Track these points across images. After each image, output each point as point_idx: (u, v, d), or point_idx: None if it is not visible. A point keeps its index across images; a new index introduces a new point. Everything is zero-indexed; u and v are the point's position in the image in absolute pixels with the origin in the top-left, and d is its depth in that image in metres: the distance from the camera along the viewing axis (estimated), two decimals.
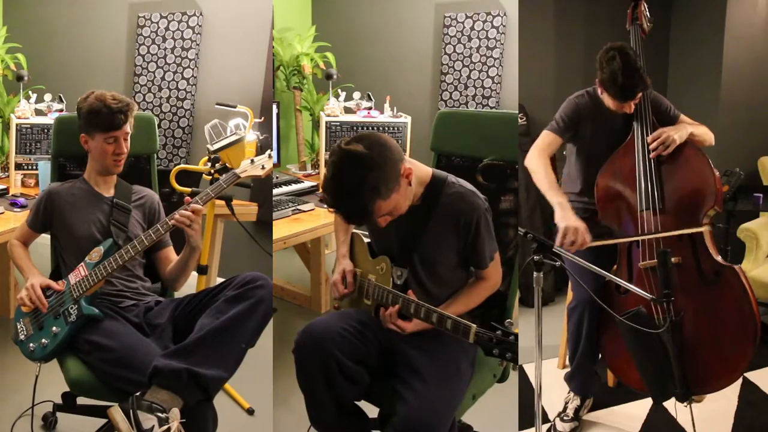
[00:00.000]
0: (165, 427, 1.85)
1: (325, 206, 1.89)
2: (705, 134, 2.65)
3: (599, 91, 2.58)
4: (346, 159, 1.77)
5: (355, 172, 1.76)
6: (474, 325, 1.81)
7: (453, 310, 2.02)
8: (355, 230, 2.31)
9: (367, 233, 2.24)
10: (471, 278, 2.14)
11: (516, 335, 1.78)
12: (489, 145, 2.36)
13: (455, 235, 2.01)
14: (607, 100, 2.57)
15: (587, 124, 2.64)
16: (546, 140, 2.62)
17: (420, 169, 2.02)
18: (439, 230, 2.01)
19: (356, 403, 2.10)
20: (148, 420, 1.85)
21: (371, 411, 2.12)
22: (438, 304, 2.04)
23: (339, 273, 2.18)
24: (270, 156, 2.46)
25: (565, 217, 2.41)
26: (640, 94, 2.53)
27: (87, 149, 2.35)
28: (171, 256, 2.41)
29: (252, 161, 2.42)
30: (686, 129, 2.59)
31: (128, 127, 2.31)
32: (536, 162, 2.58)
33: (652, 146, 2.55)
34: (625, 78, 2.44)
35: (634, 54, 2.48)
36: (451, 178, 2.03)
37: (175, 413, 1.89)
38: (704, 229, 2.47)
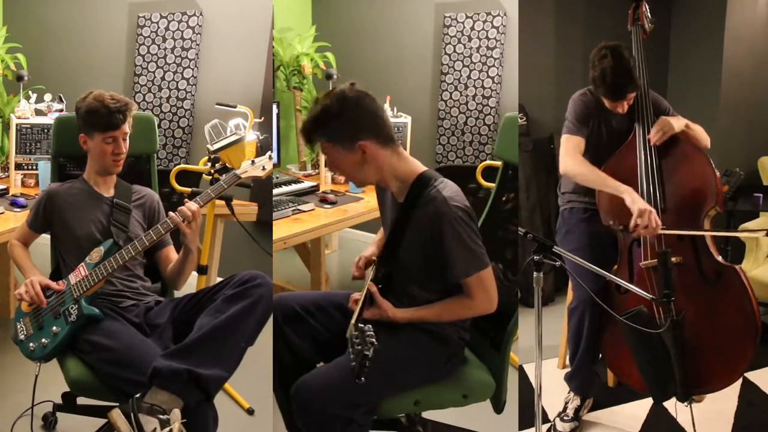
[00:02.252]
0: (167, 429, 1.85)
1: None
2: (701, 132, 2.65)
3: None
4: (334, 92, 1.97)
5: (318, 103, 1.97)
6: (352, 323, 1.84)
7: (419, 315, 2.01)
8: None
9: None
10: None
11: (360, 341, 1.70)
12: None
13: (425, 239, 1.95)
14: (604, 101, 2.58)
15: (593, 122, 2.64)
16: (572, 144, 2.60)
17: (407, 165, 1.99)
18: (416, 232, 1.97)
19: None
20: (149, 423, 1.85)
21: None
22: (416, 302, 2.03)
23: (359, 256, 2.20)
24: (270, 157, 2.46)
25: (639, 201, 2.43)
26: (633, 95, 2.53)
27: (86, 149, 2.34)
28: (171, 255, 2.41)
29: (253, 162, 2.42)
30: (683, 120, 2.61)
31: (127, 127, 2.30)
32: (578, 165, 2.57)
33: (651, 133, 2.55)
34: (613, 77, 2.44)
35: (628, 54, 2.48)
36: (439, 180, 1.96)
37: (176, 414, 1.89)
38: (707, 233, 2.47)
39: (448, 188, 1.95)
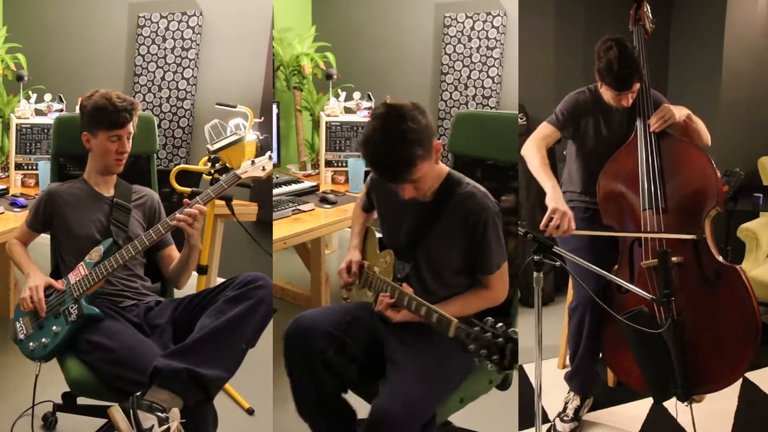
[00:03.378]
0: (165, 426, 1.85)
1: (364, 163, 1.89)
2: (702, 126, 2.65)
3: (598, 84, 2.58)
4: (393, 112, 1.83)
5: (403, 124, 1.81)
6: (455, 320, 1.79)
7: (447, 311, 2.01)
8: (370, 225, 2.34)
9: (380, 228, 2.26)
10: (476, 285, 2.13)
11: (502, 333, 1.70)
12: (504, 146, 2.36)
13: (462, 235, 2.01)
14: (606, 94, 2.58)
15: (587, 121, 2.64)
16: (543, 131, 2.63)
17: (436, 166, 2.01)
18: (447, 229, 2.01)
19: (343, 397, 2.12)
20: (147, 420, 1.85)
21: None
22: (436, 303, 2.04)
23: (346, 263, 2.19)
24: (270, 157, 2.46)
25: (556, 200, 2.41)
26: (638, 86, 2.53)
27: (88, 148, 2.34)
28: (173, 254, 2.41)
29: (253, 162, 2.42)
30: (685, 110, 2.61)
31: (131, 127, 2.31)
32: (531, 149, 2.58)
33: (651, 120, 2.56)
34: (620, 66, 2.44)
35: (631, 46, 2.49)
36: (466, 179, 2.03)
37: (174, 413, 1.88)
38: (708, 236, 2.47)
39: (479, 185, 2.03)
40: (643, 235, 2.50)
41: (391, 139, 1.81)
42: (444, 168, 2.04)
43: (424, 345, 1.99)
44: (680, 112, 2.57)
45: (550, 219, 2.37)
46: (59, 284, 2.23)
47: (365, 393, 2.08)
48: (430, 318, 1.88)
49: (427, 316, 1.89)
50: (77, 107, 3.42)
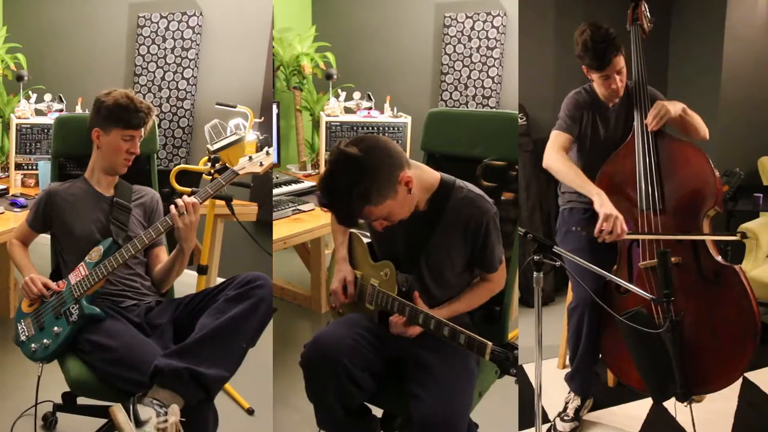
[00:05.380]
0: (162, 418, 1.84)
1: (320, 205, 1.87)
2: (698, 120, 2.65)
3: (589, 78, 2.60)
4: (340, 161, 1.77)
5: (347, 176, 1.76)
6: (490, 343, 1.77)
7: (453, 309, 2.04)
8: (353, 230, 2.29)
9: (366, 233, 2.23)
10: (476, 279, 2.13)
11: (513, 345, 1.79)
12: (482, 144, 2.36)
13: (464, 239, 2.00)
14: (597, 84, 2.59)
15: (587, 120, 2.64)
16: (559, 140, 2.62)
17: (428, 175, 2.00)
18: (448, 235, 2.00)
19: (366, 405, 2.11)
20: (146, 412, 1.85)
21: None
22: (439, 304, 2.05)
23: (340, 281, 2.14)
24: (268, 153, 2.45)
25: (606, 206, 2.42)
26: (621, 63, 2.53)
27: (97, 144, 2.33)
28: (162, 255, 2.41)
29: (250, 158, 2.41)
30: (680, 105, 2.61)
31: (143, 131, 2.32)
32: (558, 160, 2.58)
33: (648, 119, 2.56)
34: (594, 42, 2.48)
35: (606, 26, 2.52)
36: (459, 182, 2.01)
37: (174, 409, 1.88)
38: (707, 237, 2.46)
39: (473, 187, 2.02)
40: (673, 237, 2.49)
41: (335, 192, 1.78)
42: (435, 175, 2.00)
43: (449, 349, 1.96)
44: (675, 108, 2.57)
45: (603, 224, 2.38)
46: (56, 286, 2.23)
47: (372, 398, 2.08)
48: (456, 339, 1.83)
49: (452, 337, 1.84)
50: (77, 107, 3.44)
